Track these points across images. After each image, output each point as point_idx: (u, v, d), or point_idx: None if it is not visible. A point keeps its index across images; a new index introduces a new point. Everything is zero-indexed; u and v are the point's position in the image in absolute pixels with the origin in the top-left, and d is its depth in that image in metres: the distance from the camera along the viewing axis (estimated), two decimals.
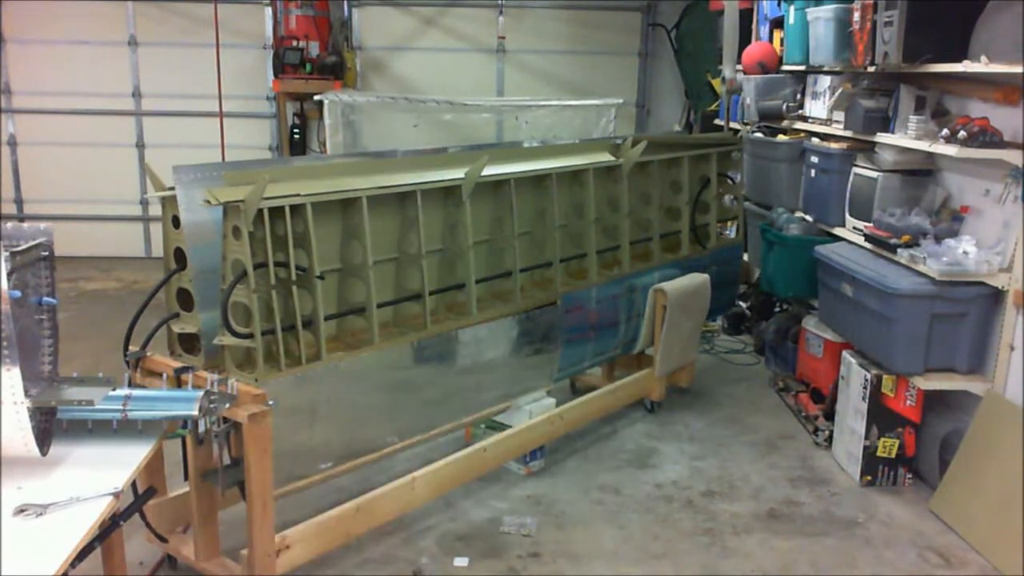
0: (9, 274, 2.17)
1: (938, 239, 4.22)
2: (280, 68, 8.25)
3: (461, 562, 3.66)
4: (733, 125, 6.73)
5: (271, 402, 3.02)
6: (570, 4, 9.22)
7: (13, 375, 2.17)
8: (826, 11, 5.21)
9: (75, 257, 8.61)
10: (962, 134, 3.89)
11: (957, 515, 3.99)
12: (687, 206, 5.36)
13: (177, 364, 3.21)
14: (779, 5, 6.29)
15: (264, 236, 3.19)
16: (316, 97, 7.45)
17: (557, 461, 4.61)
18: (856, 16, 4.73)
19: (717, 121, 7.21)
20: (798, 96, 5.87)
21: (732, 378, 5.91)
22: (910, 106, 4.50)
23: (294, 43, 8.31)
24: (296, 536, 3.30)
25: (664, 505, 4.19)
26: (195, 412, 2.74)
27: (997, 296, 4.05)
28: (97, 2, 8.75)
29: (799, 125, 5.80)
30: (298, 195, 3.30)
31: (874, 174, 4.74)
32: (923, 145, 4.22)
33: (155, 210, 3.49)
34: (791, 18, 5.88)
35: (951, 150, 3.93)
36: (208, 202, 3.11)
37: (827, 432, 4.81)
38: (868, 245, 4.64)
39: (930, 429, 4.31)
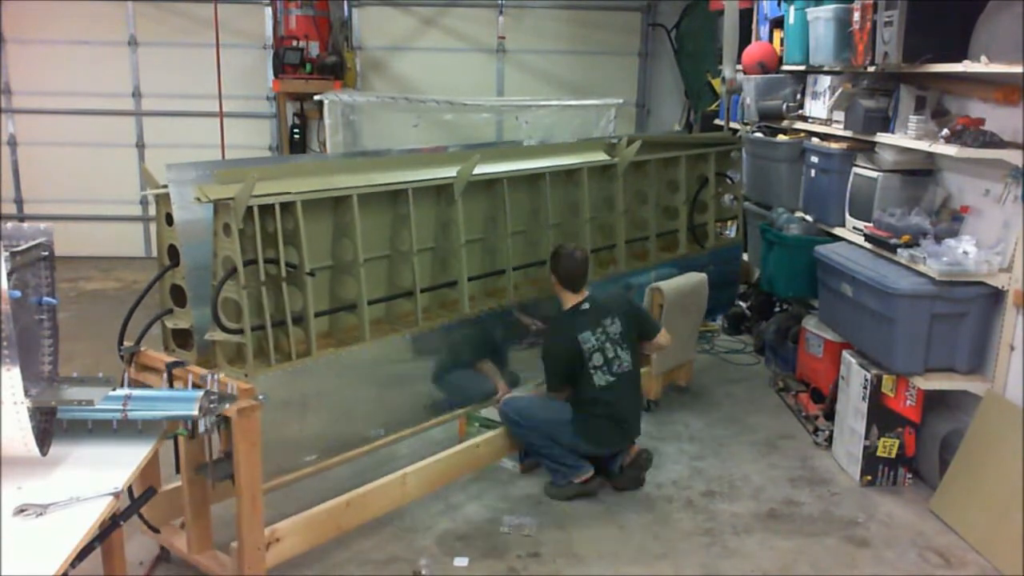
0: (9, 274, 2.17)
1: (938, 239, 4.22)
2: (280, 68, 8.25)
3: (461, 562, 3.66)
4: (733, 125, 6.73)
5: (261, 396, 3.05)
6: (570, 4, 9.22)
7: (13, 375, 2.17)
8: (826, 11, 5.21)
9: (75, 257, 8.61)
10: (945, 132, 3.92)
11: (957, 515, 3.99)
12: (684, 205, 5.36)
13: (171, 359, 3.25)
14: (779, 5, 6.29)
15: (254, 233, 3.23)
16: (316, 97, 7.46)
17: None
18: (856, 16, 4.73)
19: (717, 121, 7.22)
20: (798, 96, 5.87)
21: (732, 378, 5.90)
22: (910, 106, 4.50)
23: (294, 43, 8.31)
24: (286, 529, 3.33)
25: (664, 505, 4.19)
26: (195, 412, 2.74)
27: (997, 296, 4.05)
28: (97, 2, 8.75)
29: (799, 125, 5.80)
30: (288, 193, 3.34)
31: (874, 174, 4.74)
32: (923, 145, 4.22)
33: (154, 209, 3.51)
34: (791, 18, 5.88)
35: (951, 150, 3.94)
36: (199, 199, 3.14)
37: (827, 432, 4.81)
38: (868, 245, 4.64)
39: (930, 429, 4.31)
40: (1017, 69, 3.60)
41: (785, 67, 6.11)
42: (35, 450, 2.32)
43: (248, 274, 3.25)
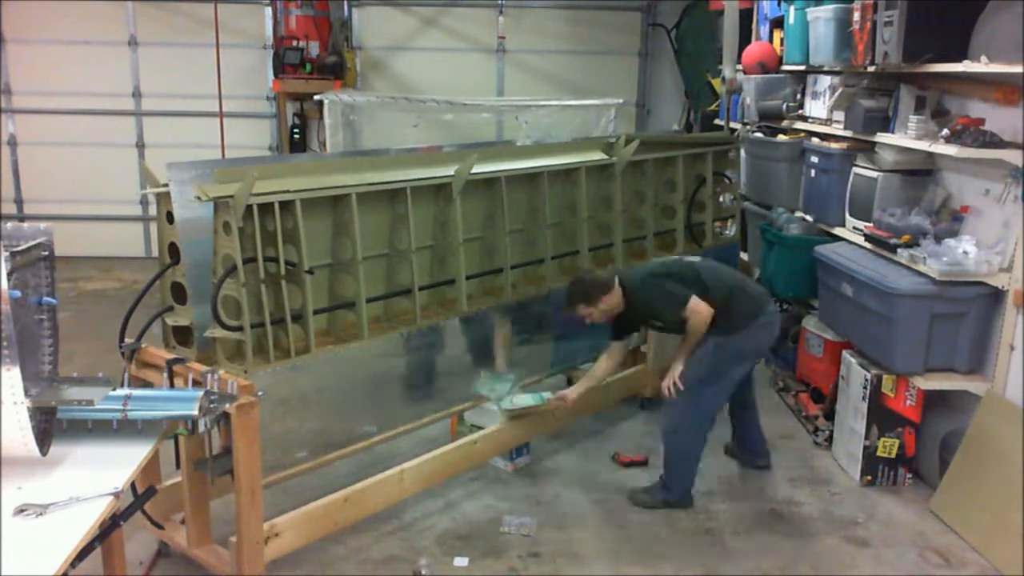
0: (9, 274, 2.17)
1: (938, 239, 4.22)
2: (280, 68, 8.25)
3: (461, 562, 3.66)
4: (733, 125, 6.73)
5: (260, 393, 3.06)
6: (570, 4, 9.22)
7: (13, 375, 2.17)
8: (826, 11, 5.21)
9: (75, 257, 8.60)
10: (945, 132, 3.92)
11: (957, 515, 3.99)
12: (682, 205, 5.37)
13: (171, 356, 3.27)
14: (779, 5, 6.29)
15: (254, 231, 3.25)
16: (316, 97, 7.44)
17: (557, 460, 4.61)
18: (856, 16, 4.72)
19: (717, 121, 7.21)
20: (798, 96, 5.87)
21: None
22: (910, 106, 4.50)
23: (294, 43, 8.30)
24: (285, 524, 3.35)
25: None
26: (195, 412, 2.74)
27: (997, 296, 4.05)
28: (97, 2, 8.75)
29: (799, 125, 5.80)
30: (287, 191, 3.36)
31: (874, 174, 4.74)
32: (923, 145, 4.22)
33: (154, 209, 3.53)
34: (791, 18, 5.88)
35: (951, 150, 3.94)
36: (198, 198, 3.16)
37: (827, 432, 4.81)
38: (868, 245, 4.64)
39: (930, 429, 4.31)
40: (1017, 69, 3.60)
41: (785, 67, 6.10)
42: (35, 450, 2.32)
43: (248, 272, 3.28)
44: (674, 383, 4.01)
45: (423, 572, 3.56)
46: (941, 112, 4.48)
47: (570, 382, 5.35)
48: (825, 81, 5.45)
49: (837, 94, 5.10)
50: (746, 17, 6.78)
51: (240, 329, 3.29)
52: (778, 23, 6.31)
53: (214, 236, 3.27)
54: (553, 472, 4.49)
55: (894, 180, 4.65)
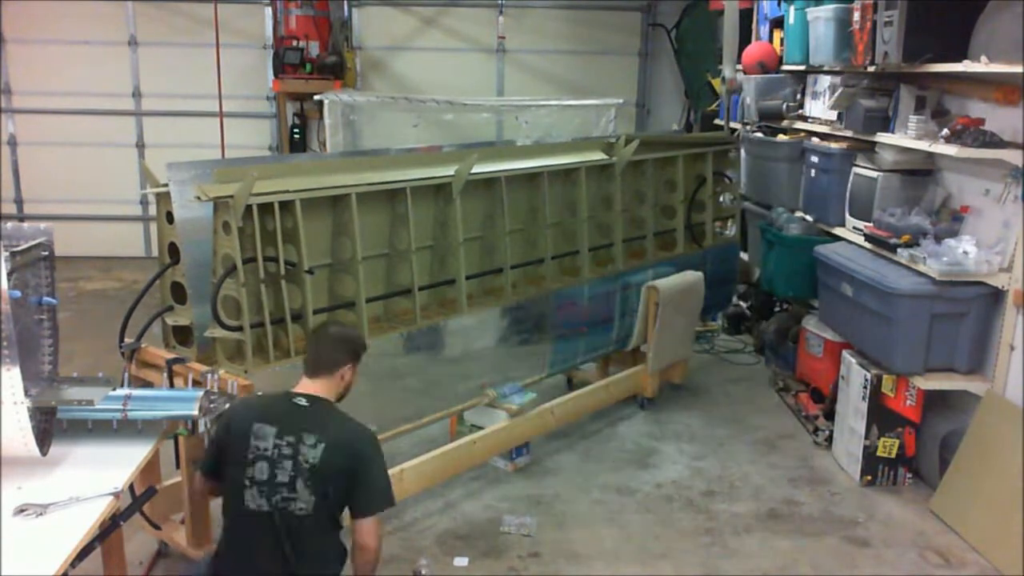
0: (9, 274, 2.17)
1: (938, 239, 4.22)
2: (280, 68, 8.25)
3: (461, 562, 3.66)
4: (733, 125, 6.73)
5: (260, 393, 3.05)
6: (570, 4, 9.22)
7: (13, 375, 2.17)
8: (826, 11, 5.21)
9: (75, 257, 8.60)
10: (945, 132, 3.91)
11: (957, 515, 3.99)
12: (682, 204, 5.38)
13: (171, 355, 3.28)
14: (779, 5, 6.29)
15: (254, 231, 3.25)
16: (316, 97, 7.44)
17: (557, 460, 4.61)
18: (856, 16, 4.72)
19: (717, 121, 7.21)
20: (798, 96, 5.87)
21: (732, 377, 5.90)
22: (910, 106, 4.50)
23: (294, 43, 8.30)
24: None
25: (664, 505, 4.19)
26: (195, 412, 2.74)
27: (997, 296, 4.05)
28: (97, 2, 8.75)
29: (799, 125, 5.80)
30: (287, 191, 3.36)
31: (874, 174, 4.74)
32: (923, 145, 4.22)
33: (154, 209, 3.53)
34: (791, 18, 5.88)
35: (951, 150, 3.94)
36: (198, 198, 3.16)
37: (827, 432, 4.81)
38: (868, 245, 4.64)
39: (930, 429, 4.31)
40: (1017, 69, 3.60)
41: (785, 67, 6.10)
42: (35, 450, 2.32)
43: (247, 272, 3.28)
44: None
45: (423, 572, 3.56)
46: (941, 112, 4.48)
47: (570, 382, 5.38)
48: (825, 81, 5.45)
49: (837, 94, 5.11)
50: (746, 17, 6.78)
51: (240, 329, 3.29)
52: (778, 23, 6.31)
53: (214, 236, 3.27)
54: (553, 472, 4.49)
55: (894, 180, 4.65)
